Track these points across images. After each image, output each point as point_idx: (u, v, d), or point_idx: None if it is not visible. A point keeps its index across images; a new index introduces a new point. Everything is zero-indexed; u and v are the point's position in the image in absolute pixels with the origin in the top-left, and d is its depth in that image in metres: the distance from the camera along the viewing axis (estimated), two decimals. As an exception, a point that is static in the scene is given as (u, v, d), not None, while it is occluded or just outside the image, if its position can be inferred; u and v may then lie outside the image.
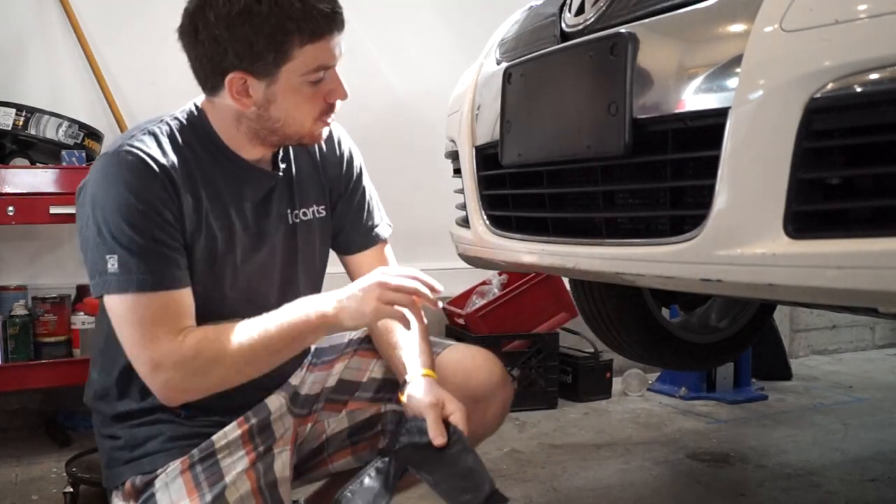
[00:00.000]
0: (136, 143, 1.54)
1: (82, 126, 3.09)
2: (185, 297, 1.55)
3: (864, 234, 1.12)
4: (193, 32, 1.53)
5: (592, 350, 3.80)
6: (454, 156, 2.21)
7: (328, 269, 1.87)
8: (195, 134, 1.62)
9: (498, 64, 1.99)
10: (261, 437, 1.67)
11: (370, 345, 1.86)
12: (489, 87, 2.00)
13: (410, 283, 1.57)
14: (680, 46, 1.41)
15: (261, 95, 1.55)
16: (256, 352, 1.54)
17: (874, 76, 1.07)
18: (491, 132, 1.96)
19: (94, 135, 3.15)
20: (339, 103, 1.64)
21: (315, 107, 1.60)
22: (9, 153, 3.00)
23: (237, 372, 1.56)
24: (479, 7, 4.04)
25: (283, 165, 1.74)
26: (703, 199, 1.31)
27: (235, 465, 1.61)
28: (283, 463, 1.68)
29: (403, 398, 1.65)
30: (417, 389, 1.61)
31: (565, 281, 3.63)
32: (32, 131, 2.98)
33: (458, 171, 2.18)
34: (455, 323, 3.85)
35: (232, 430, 1.64)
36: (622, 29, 1.49)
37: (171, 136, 1.59)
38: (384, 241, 1.90)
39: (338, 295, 1.58)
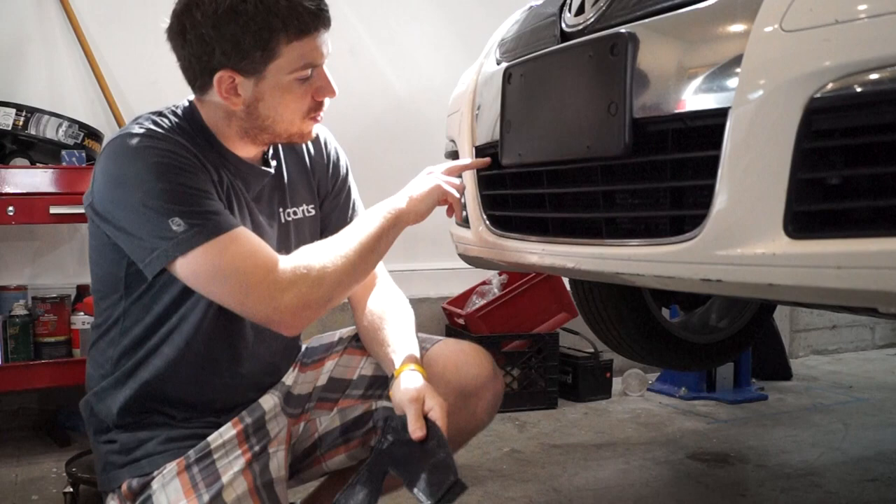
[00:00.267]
0: (144, 126, 1.55)
1: (82, 126, 3.10)
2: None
3: (863, 234, 1.11)
4: (181, 32, 1.55)
5: (592, 350, 3.80)
6: (454, 156, 2.21)
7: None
8: (191, 126, 1.63)
9: (498, 64, 1.99)
10: (256, 437, 1.68)
11: (360, 343, 1.87)
12: (489, 87, 2.01)
13: (459, 162, 1.91)
14: (680, 46, 1.41)
15: (249, 93, 1.57)
16: (354, 254, 1.60)
17: (874, 76, 1.07)
18: (491, 132, 1.96)
19: (94, 135, 3.16)
20: (327, 101, 1.65)
21: (303, 104, 1.61)
22: (9, 153, 3.01)
23: (347, 276, 1.59)
24: (480, 7, 4.05)
25: (273, 163, 1.75)
26: (702, 199, 1.31)
27: (232, 466, 1.61)
28: (278, 462, 1.69)
29: (390, 394, 1.67)
30: (399, 385, 1.62)
31: (565, 281, 3.63)
32: (32, 131, 2.98)
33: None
34: (455, 323, 3.85)
35: (227, 431, 1.65)
36: (622, 29, 1.49)
37: (173, 125, 1.60)
38: None
39: (399, 193, 1.75)
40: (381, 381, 1.81)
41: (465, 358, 1.80)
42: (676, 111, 1.37)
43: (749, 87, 1.22)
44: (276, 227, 1.75)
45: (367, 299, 1.84)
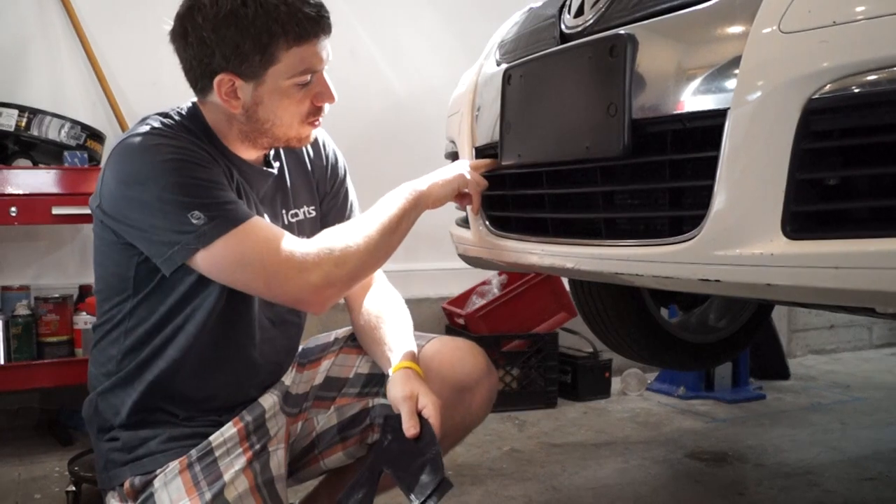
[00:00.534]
0: (152, 126, 1.57)
1: (84, 127, 3.11)
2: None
3: (861, 234, 1.12)
4: (183, 35, 1.56)
5: (591, 350, 3.81)
6: (454, 157, 2.21)
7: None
8: (196, 126, 1.64)
9: (498, 65, 2.00)
10: (256, 436, 1.69)
11: (356, 342, 1.89)
12: (489, 88, 2.01)
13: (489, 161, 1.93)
14: (679, 48, 1.42)
15: (249, 97, 1.58)
16: (376, 233, 1.62)
17: (872, 77, 1.08)
18: (491, 133, 1.97)
19: (96, 136, 3.17)
20: (327, 106, 1.67)
21: (302, 109, 1.63)
22: (11, 154, 3.01)
23: (369, 255, 1.61)
24: (480, 8, 4.05)
25: (276, 165, 1.77)
26: (701, 200, 1.32)
27: (233, 464, 1.62)
28: (278, 461, 1.70)
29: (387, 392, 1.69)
30: (394, 384, 1.63)
31: (565, 281, 3.63)
32: (35, 132, 2.99)
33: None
34: (455, 323, 3.86)
35: (228, 430, 1.66)
36: (621, 30, 1.50)
37: (179, 126, 1.61)
38: None
39: (424, 177, 1.78)
40: (377, 379, 1.82)
41: (459, 354, 1.81)
42: (675, 112, 1.38)
43: (747, 88, 1.22)
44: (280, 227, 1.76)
45: (363, 299, 1.86)
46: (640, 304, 2.62)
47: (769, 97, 1.19)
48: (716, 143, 1.27)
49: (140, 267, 1.58)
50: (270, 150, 1.74)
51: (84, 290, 3.17)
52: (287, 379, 1.83)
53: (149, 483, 1.61)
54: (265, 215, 1.71)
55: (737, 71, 1.25)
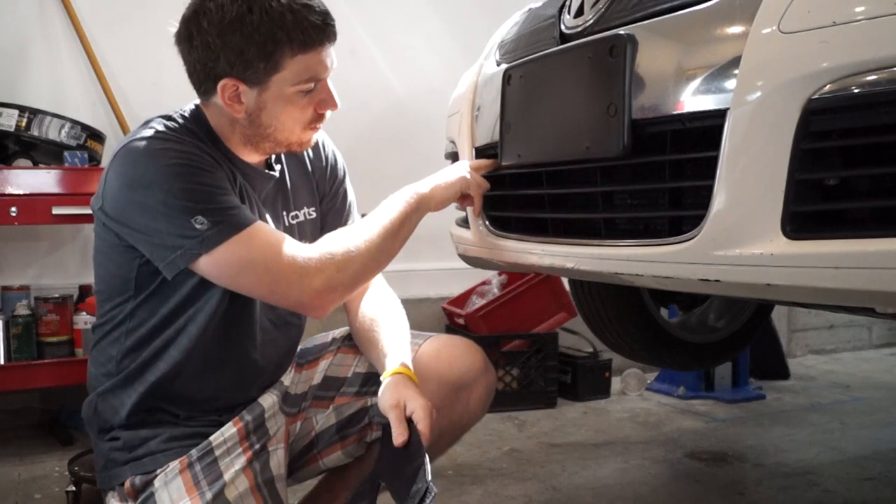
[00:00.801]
0: (157, 129, 1.56)
1: (84, 127, 3.11)
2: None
3: (861, 234, 1.12)
4: (188, 38, 1.56)
5: (591, 350, 3.81)
6: (454, 157, 2.22)
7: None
8: (199, 128, 1.64)
9: (498, 65, 2.00)
10: (256, 435, 1.69)
11: (353, 341, 1.89)
12: (489, 88, 2.01)
13: (488, 161, 1.92)
14: (678, 48, 1.42)
15: (252, 102, 1.58)
16: (378, 237, 1.63)
17: (872, 77, 1.08)
18: (491, 133, 1.97)
19: (97, 136, 3.17)
20: (329, 113, 1.67)
21: (305, 115, 1.63)
22: (11, 154, 3.02)
23: (371, 259, 1.62)
24: (480, 8, 4.05)
25: (277, 167, 1.77)
26: (701, 200, 1.32)
27: (233, 464, 1.63)
28: (278, 460, 1.71)
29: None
30: (384, 392, 1.63)
31: (564, 281, 3.64)
32: (35, 132, 2.99)
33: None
34: (455, 323, 3.86)
35: (228, 429, 1.66)
36: (621, 31, 1.50)
37: (182, 129, 1.61)
38: None
39: (425, 179, 1.80)
40: (375, 378, 1.81)
41: (456, 352, 1.82)
42: (675, 112, 1.38)
43: (747, 88, 1.23)
44: (282, 230, 1.76)
45: (360, 302, 1.86)
46: (640, 304, 2.62)
47: (769, 97, 1.19)
48: (716, 143, 1.28)
49: (142, 269, 1.59)
50: (272, 154, 1.74)
51: (84, 290, 3.17)
52: (286, 379, 1.83)
53: (149, 483, 1.61)
54: (267, 217, 1.71)
55: (736, 71, 1.25)
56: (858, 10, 1.09)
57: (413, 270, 3.81)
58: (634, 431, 3.29)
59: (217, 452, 1.63)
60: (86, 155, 3.05)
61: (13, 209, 2.85)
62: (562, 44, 1.73)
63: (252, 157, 1.69)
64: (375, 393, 1.80)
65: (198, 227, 1.47)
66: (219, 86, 1.56)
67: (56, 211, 2.90)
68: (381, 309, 1.85)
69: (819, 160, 1.18)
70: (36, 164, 3.03)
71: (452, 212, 2.27)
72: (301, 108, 1.61)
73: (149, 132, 1.56)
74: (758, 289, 1.26)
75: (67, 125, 3.05)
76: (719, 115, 1.27)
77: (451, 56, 3.93)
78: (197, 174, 1.51)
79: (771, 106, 1.19)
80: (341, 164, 1.95)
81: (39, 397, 3.35)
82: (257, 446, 1.68)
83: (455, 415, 1.79)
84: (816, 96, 1.14)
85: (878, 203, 1.15)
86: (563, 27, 1.76)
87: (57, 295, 3.12)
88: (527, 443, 3.12)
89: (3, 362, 2.96)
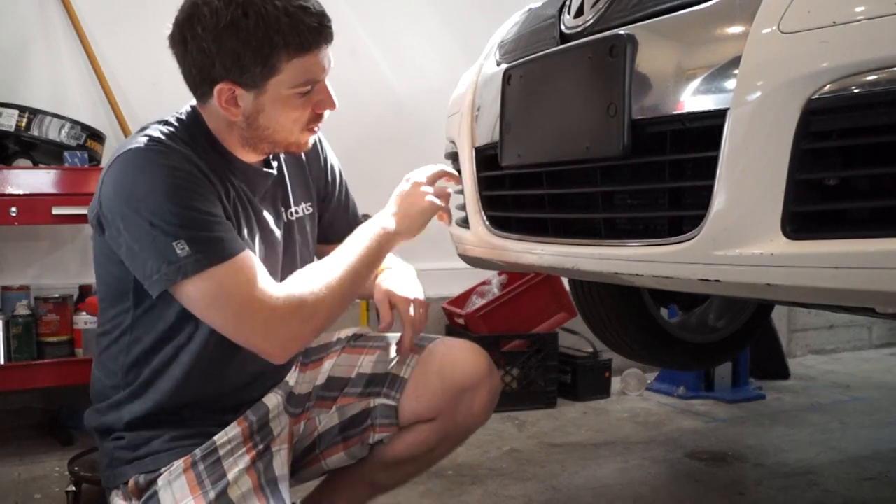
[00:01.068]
0: (153, 139, 1.55)
1: (84, 127, 3.11)
2: (255, 256, 1.58)
3: (861, 234, 1.12)
4: (183, 43, 1.54)
5: (591, 350, 3.81)
6: (454, 157, 2.22)
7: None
8: (197, 132, 1.63)
9: (498, 65, 2.00)
10: (260, 435, 1.70)
11: (357, 342, 1.90)
12: (489, 88, 2.01)
13: (435, 168, 1.85)
14: (678, 48, 1.42)
15: (249, 105, 1.57)
16: (347, 283, 1.63)
17: (872, 77, 1.08)
18: (491, 133, 1.97)
19: (96, 136, 3.17)
20: (327, 113, 1.66)
21: (303, 116, 1.62)
22: (11, 154, 3.02)
23: (337, 306, 1.63)
24: (480, 8, 4.05)
25: (275, 164, 1.77)
26: (701, 200, 1.32)
27: (237, 463, 1.63)
28: (282, 460, 1.71)
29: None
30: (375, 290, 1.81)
31: (564, 281, 3.64)
32: (35, 132, 2.99)
33: (458, 172, 2.19)
34: (455, 323, 3.86)
35: (232, 429, 1.67)
36: (621, 31, 1.50)
37: (179, 135, 1.60)
38: None
39: (388, 209, 1.78)
40: (379, 379, 1.82)
41: (461, 355, 1.82)
42: (675, 112, 1.38)
43: (747, 88, 1.23)
44: (282, 226, 1.77)
45: None
46: (640, 304, 2.62)
47: (769, 97, 1.20)
48: (716, 143, 1.28)
49: (138, 281, 1.57)
50: (270, 153, 1.74)
51: (84, 290, 3.17)
52: (290, 379, 1.83)
53: (153, 481, 1.61)
54: (266, 217, 1.72)
55: (736, 71, 1.25)
56: (858, 10, 1.10)
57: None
58: (634, 431, 3.29)
59: (221, 452, 1.63)
60: (86, 155, 3.05)
61: (13, 209, 2.85)
62: (562, 44, 1.73)
63: (250, 157, 1.69)
64: (379, 394, 1.81)
65: (178, 252, 1.46)
66: (215, 90, 1.55)
67: (56, 211, 2.90)
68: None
69: (819, 160, 1.18)
70: (36, 164, 3.03)
71: (453, 211, 2.27)
72: (299, 110, 1.60)
73: (144, 141, 1.54)
74: (758, 289, 1.26)
75: (67, 125, 3.05)
76: (719, 115, 1.27)
77: (451, 56, 3.93)
78: (186, 196, 1.49)
79: (771, 106, 1.19)
80: (335, 157, 1.96)
81: (40, 397, 3.35)
82: (261, 446, 1.69)
83: (459, 417, 1.80)
84: (816, 96, 1.14)
85: (878, 203, 1.16)
86: (563, 27, 1.76)
87: (57, 295, 3.12)
88: (527, 443, 3.12)
89: (3, 362, 2.96)
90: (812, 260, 1.16)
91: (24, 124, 2.97)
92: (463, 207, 2.18)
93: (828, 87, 1.13)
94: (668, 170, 1.45)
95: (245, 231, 1.64)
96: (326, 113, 1.66)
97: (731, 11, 1.31)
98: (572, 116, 1.64)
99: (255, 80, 1.53)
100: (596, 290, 2.60)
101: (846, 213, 1.21)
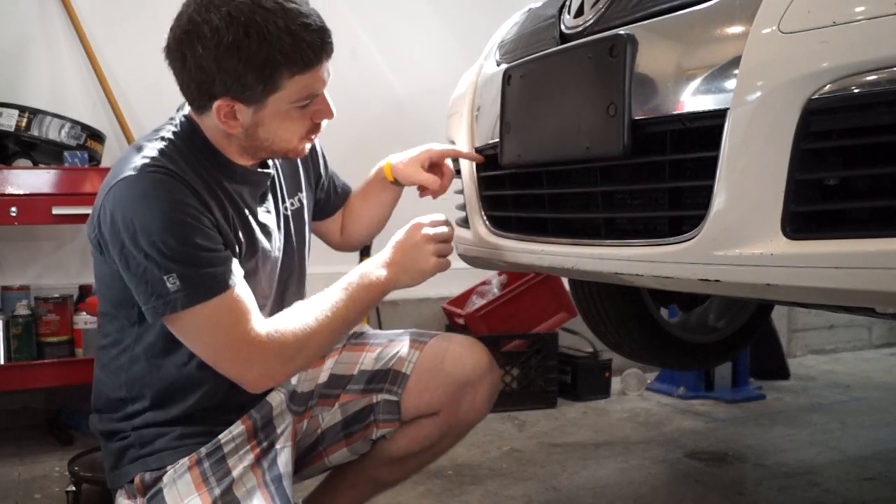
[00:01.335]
0: (152, 162, 1.53)
1: (84, 127, 3.11)
2: (247, 288, 1.58)
3: (861, 234, 1.13)
4: (181, 58, 1.53)
5: (591, 350, 3.81)
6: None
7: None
8: (194, 144, 1.62)
9: (498, 65, 2.00)
10: (264, 433, 1.70)
11: (359, 339, 1.91)
12: (489, 88, 2.01)
13: (442, 217, 1.81)
14: (678, 48, 1.42)
15: (248, 119, 1.57)
16: (333, 329, 1.63)
17: (872, 77, 1.09)
18: (490, 133, 1.97)
19: (97, 136, 3.17)
20: (325, 122, 1.67)
21: (302, 127, 1.63)
22: (11, 154, 3.02)
23: (319, 351, 1.65)
24: (480, 8, 4.05)
25: (270, 162, 1.77)
26: (701, 200, 1.32)
27: (241, 461, 1.64)
28: (286, 458, 1.72)
29: (392, 178, 2.02)
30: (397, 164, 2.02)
31: (564, 281, 3.64)
32: (35, 132, 2.99)
33: (457, 172, 2.19)
34: (455, 323, 3.86)
35: (237, 427, 1.67)
36: (621, 30, 1.50)
37: (177, 151, 1.58)
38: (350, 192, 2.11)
39: (386, 258, 1.73)
40: (381, 376, 1.83)
41: (462, 350, 1.84)
42: (675, 112, 1.38)
43: (747, 88, 1.23)
44: (281, 222, 1.78)
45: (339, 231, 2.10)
46: (640, 304, 2.62)
47: (769, 97, 1.20)
48: (716, 143, 1.28)
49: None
50: (268, 159, 1.74)
51: (84, 290, 3.17)
52: (293, 378, 1.83)
53: (158, 479, 1.62)
54: (266, 219, 1.72)
55: (736, 71, 1.25)
56: (858, 10, 1.10)
57: (413, 270, 3.80)
58: (634, 431, 3.29)
59: (225, 450, 1.64)
60: (86, 155, 3.05)
61: (13, 209, 2.85)
62: (562, 44, 1.73)
63: (247, 162, 1.69)
64: (381, 391, 1.82)
65: (169, 286, 1.47)
66: (214, 105, 1.54)
67: (56, 211, 2.89)
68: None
69: (819, 160, 1.18)
70: (36, 164, 3.03)
71: (453, 211, 2.27)
72: (298, 122, 1.61)
73: (144, 166, 1.52)
74: (758, 289, 1.26)
75: (67, 125, 3.05)
76: (719, 115, 1.27)
77: (451, 56, 3.92)
78: (183, 231, 1.49)
79: (771, 106, 1.19)
80: (319, 144, 1.98)
81: (40, 397, 3.35)
82: (265, 444, 1.70)
83: (461, 412, 1.82)
84: (816, 96, 1.14)
85: (878, 203, 1.16)
86: (563, 27, 1.76)
87: (57, 295, 3.12)
88: (527, 443, 3.12)
89: (3, 362, 2.96)
90: (812, 260, 1.16)
91: (24, 124, 2.97)
92: (463, 207, 2.19)
93: (828, 87, 1.13)
94: (668, 170, 1.45)
95: (245, 247, 1.64)
96: (324, 122, 1.66)
97: (731, 11, 1.31)
98: (572, 116, 1.64)
99: (255, 97, 1.53)
100: (596, 290, 2.60)
101: (846, 213, 1.21)
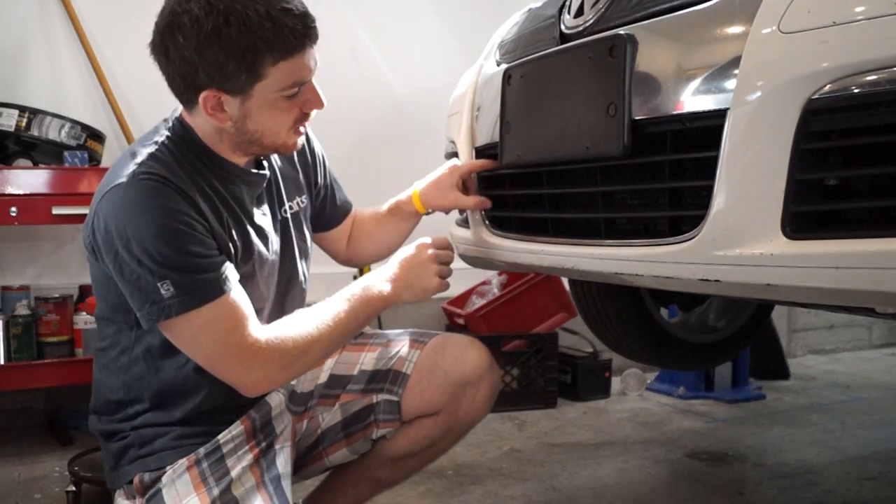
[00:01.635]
0: (147, 168, 1.52)
1: (84, 127, 3.11)
2: (243, 293, 1.58)
3: (861, 234, 1.13)
4: (164, 52, 1.54)
5: (591, 350, 3.81)
6: (454, 156, 2.22)
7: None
8: (188, 147, 1.62)
9: (498, 65, 2.00)
10: (263, 433, 1.70)
11: (359, 339, 1.91)
12: (489, 88, 2.01)
13: (450, 252, 1.83)
14: (678, 48, 1.42)
15: (236, 111, 1.56)
16: (333, 338, 1.64)
17: (872, 77, 1.09)
18: (491, 133, 1.97)
19: (96, 136, 3.17)
20: (314, 112, 1.66)
21: (291, 117, 1.62)
22: (12, 154, 3.02)
23: (317, 358, 1.66)
24: (480, 8, 4.05)
25: (266, 163, 1.77)
26: (701, 200, 1.32)
27: (240, 461, 1.64)
28: (285, 458, 1.72)
29: (424, 210, 2.01)
30: (427, 192, 1.98)
31: (564, 281, 3.64)
32: (35, 132, 2.99)
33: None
34: (455, 323, 3.86)
35: (235, 427, 1.67)
36: (621, 30, 1.50)
37: (171, 155, 1.58)
38: (351, 210, 2.08)
39: (391, 273, 1.74)
40: (381, 376, 1.84)
41: (463, 350, 1.84)
42: (675, 112, 1.38)
43: (747, 88, 1.23)
44: (278, 226, 1.78)
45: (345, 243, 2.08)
46: (640, 304, 2.62)
47: (769, 97, 1.20)
48: (715, 143, 1.28)
49: None
50: (261, 156, 1.74)
51: (84, 290, 3.16)
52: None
53: (157, 479, 1.62)
54: (263, 221, 1.72)
55: (736, 71, 1.25)
56: (858, 10, 1.10)
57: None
58: (634, 431, 3.29)
59: (224, 450, 1.64)
60: (86, 155, 3.05)
61: (13, 209, 2.85)
62: (562, 44, 1.73)
63: (241, 161, 1.68)
64: (381, 390, 1.82)
65: (163, 292, 1.47)
66: (200, 97, 1.53)
67: (56, 211, 2.89)
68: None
69: (819, 160, 1.18)
70: (36, 164, 3.03)
71: (451, 214, 2.27)
72: (286, 112, 1.60)
73: (138, 174, 1.51)
74: (758, 289, 1.26)
75: (67, 125, 3.05)
76: (719, 115, 1.27)
77: (451, 56, 3.92)
78: (177, 238, 1.49)
79: (771, 106, 1.20)
80: (319, 145, 1.97)
81: (40, 397, 3.35)
82: (264, 444, 1.69)
83: (461, 412, 1.83)
84: (816, 96, 1.14)
85: (878, 203, 1.16)
86: (563, 27, 1.76)
87: (57, 295, 3.12)
88: (527, 443, 3.12)
89: (3, 362, 2.96)
90: (812, 260, 1.16)
91: (24, 124, 2.97)
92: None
93: (828, 87, 1.13)
94: (668, 170, 1.45)
95: (240, 250, 1.64)
96: (314, 112, 1.65)
97: (731, 11, 1.31)
98: (572, 116, 1.64)
99: (240, 86, 1.52)
100: (596, 290, 2.60)
101: (846, 213, 1.21)
